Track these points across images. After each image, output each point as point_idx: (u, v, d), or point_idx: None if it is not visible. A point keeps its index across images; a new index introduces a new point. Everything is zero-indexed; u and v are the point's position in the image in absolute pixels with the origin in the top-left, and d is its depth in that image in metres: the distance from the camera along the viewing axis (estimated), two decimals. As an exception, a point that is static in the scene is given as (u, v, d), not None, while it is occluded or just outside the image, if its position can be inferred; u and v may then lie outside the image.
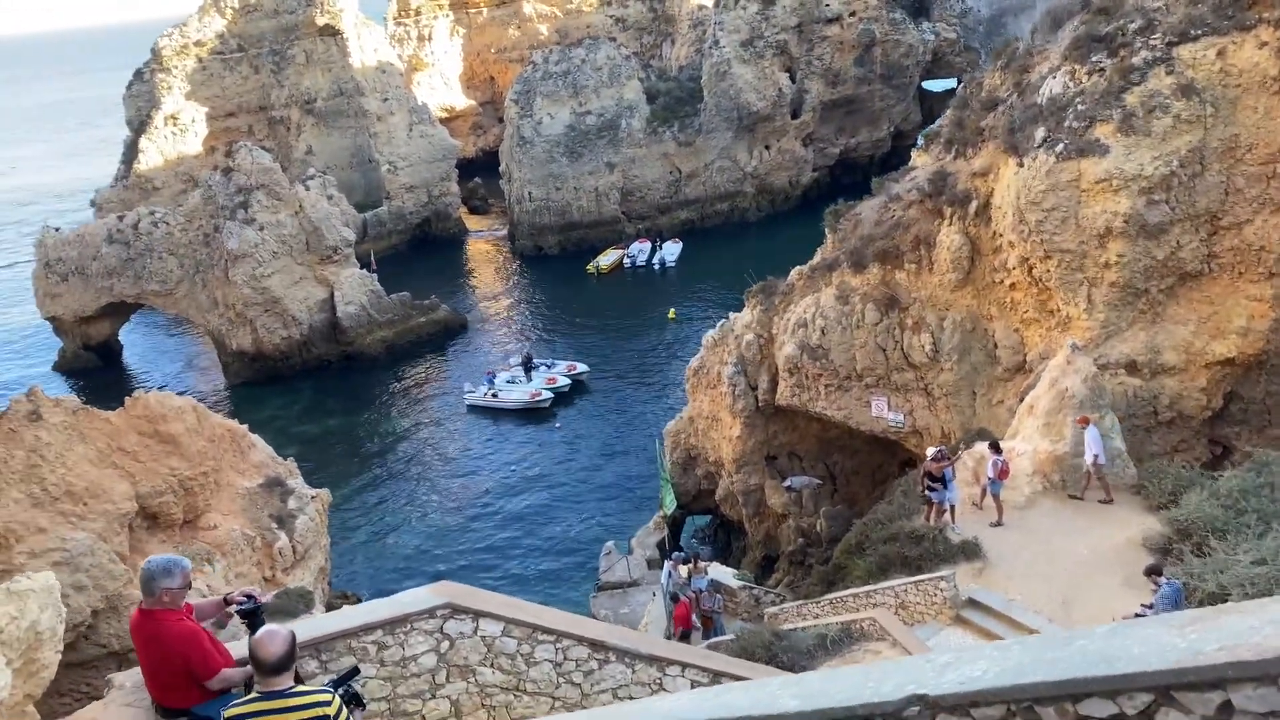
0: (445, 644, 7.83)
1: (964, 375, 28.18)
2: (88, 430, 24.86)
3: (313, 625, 7.63)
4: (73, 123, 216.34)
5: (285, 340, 61.33)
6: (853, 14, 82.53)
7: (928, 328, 28.60)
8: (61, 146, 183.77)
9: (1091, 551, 18.01)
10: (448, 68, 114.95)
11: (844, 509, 31.84)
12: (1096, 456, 19.33)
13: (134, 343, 72.76)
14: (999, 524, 19.46)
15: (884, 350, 29.53)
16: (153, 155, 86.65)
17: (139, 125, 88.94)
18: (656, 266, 75.30)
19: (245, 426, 30.49)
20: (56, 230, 68.29)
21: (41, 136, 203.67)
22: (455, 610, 7.57)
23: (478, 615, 7.65)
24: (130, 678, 7.03)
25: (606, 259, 75.62)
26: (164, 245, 63.33)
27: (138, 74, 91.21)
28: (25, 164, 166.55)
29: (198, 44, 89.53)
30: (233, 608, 6.82)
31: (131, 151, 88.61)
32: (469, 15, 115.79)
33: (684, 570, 24.24)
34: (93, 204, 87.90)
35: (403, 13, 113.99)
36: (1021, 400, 23.62)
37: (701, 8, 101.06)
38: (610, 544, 36.76)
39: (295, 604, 22.15)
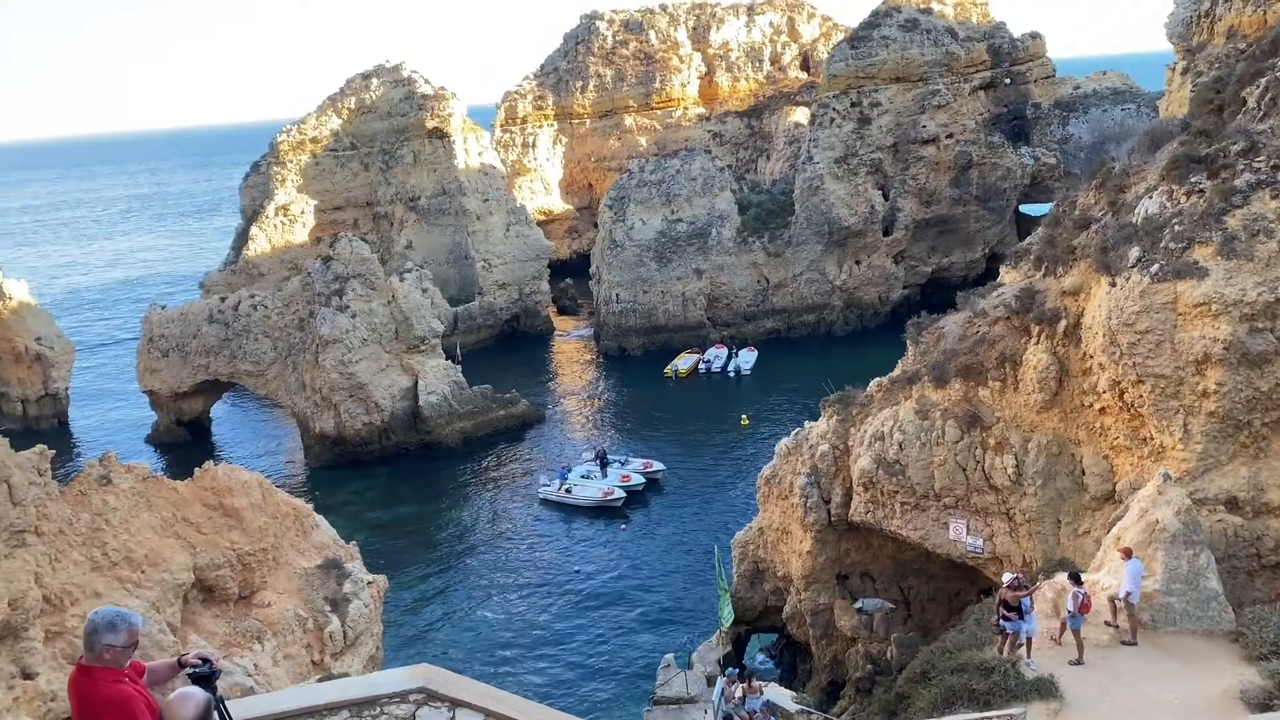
0: (417, 733, 7.12)
1: (1048, 501, 26.66)
2: (154, 498, 25.11)
3: (274, 700, 7.08)
4: (194, 210, 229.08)
5: (366, 426, 62.23)
6: (949, 135, 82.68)
7: (1011, 449, 27.28)
8: (181, 232, 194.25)
9: (1182, 701, 16.43)
10: (549, 173, 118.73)
11: (917, 636, 30.10)
12: (1129, 594, 18.04)
13: (224, 420, 74.79)
14: (1079, 662, 17.98)
15: (964, 470, 28.23)
16: (262, 242, 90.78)
17: (252, 214, 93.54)
18: (731, 373, 75.10)
19: (310, 506, 30.53)
20: (163, 308, 71.29)
21: (156, 223, 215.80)
22: (430, 696, 6.93)
23: (455, 704, 6.97)
24: (69, 741, 6.57)
25: (684, 363, 76.08)
26: (261, 327, 65.51)
27: (255, 166, 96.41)
28: (142, 250, 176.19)
29: (313, 140, 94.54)
30: (186, 670, 6.36)
31: (243, 238, 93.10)
32: (572, 125, 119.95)
33: (738, 689, 22.98)
34: (201, 285, 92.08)
35: (509, 120, 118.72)
36: (1109, 531, 22.13)
37: (798, 125, 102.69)
38: (670, 656, 35.37)
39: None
